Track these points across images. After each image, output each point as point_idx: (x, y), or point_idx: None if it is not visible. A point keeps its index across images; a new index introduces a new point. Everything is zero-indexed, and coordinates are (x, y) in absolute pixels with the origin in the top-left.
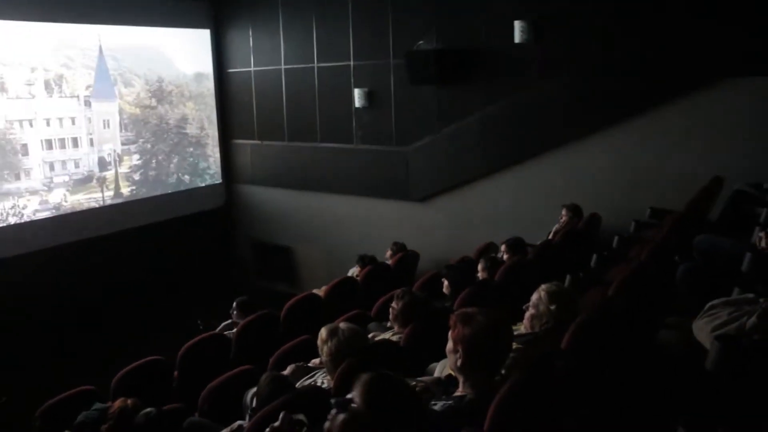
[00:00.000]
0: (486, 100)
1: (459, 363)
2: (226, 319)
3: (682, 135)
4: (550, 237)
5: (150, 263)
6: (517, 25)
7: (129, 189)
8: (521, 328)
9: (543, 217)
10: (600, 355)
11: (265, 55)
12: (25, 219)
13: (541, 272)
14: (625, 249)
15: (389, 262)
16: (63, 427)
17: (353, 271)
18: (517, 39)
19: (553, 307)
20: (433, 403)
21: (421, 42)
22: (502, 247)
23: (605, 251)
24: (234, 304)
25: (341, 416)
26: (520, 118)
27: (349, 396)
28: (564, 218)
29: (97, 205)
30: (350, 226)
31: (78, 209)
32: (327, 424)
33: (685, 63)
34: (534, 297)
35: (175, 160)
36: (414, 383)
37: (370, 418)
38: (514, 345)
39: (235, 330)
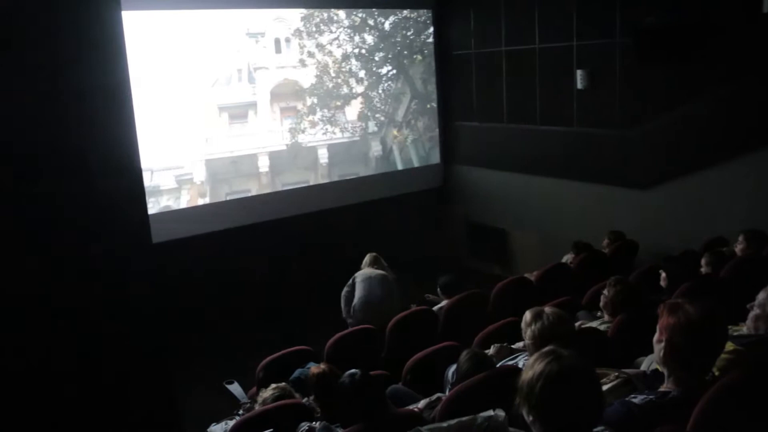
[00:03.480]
0: (723, 80)
1: (662, 354)
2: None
3: None
4: None
5: (367, 239)
6: None
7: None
8: (743, 329)
9: None
10: None
11: (485, 37)
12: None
13: None
14: None
15: (605, 250)
16: (281, 380)
17: (567, 258)
18: (766, 8)
19: None
20: (633, 396)
21: (650, 17)
22: (740, 237)
23: None
24: (438, 283)
25: None
26: (762, 99)
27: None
28: None
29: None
30: (567, 211)
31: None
32: None
33: None
34: (761, 296)
35: (402, 140)
36: (616, 374)
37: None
38: (732, 346)
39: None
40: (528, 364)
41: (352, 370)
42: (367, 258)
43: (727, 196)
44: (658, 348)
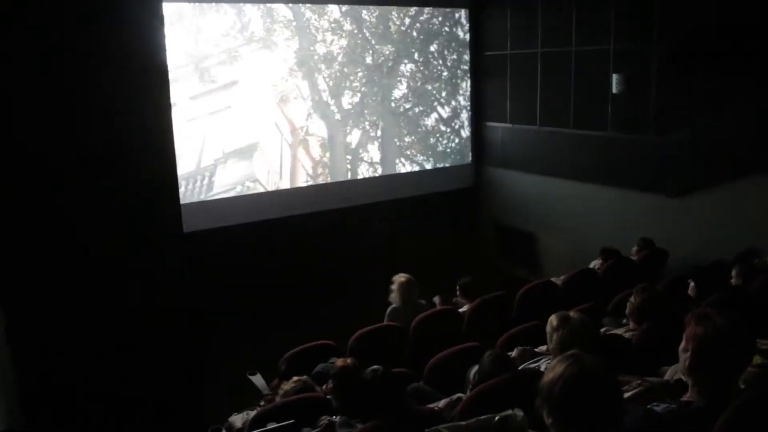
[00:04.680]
0: (764, 89)
1: (687, 363)
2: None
3: None
4: None
5: (395, 236)
6: None
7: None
8: None
9: None
10: None
11: (521, 38)
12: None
13: None
14: None
15: (634, 257)
16: (303, 373)
17: (595, 264)
18: None
19: None
20: (655, 404)
21: (691, 22)
22: None
23: None
24: (457, 284)
25: None
26: None
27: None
28: None
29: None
30: (597, 216)
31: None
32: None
33: None
34: None
35: (433, 138)
36: (639, 382)
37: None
38: (760, 360)
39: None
40: (550, 366)
41: (375, 366)
42: (397, 284)
43: (762, 207)
44: (684, 357)
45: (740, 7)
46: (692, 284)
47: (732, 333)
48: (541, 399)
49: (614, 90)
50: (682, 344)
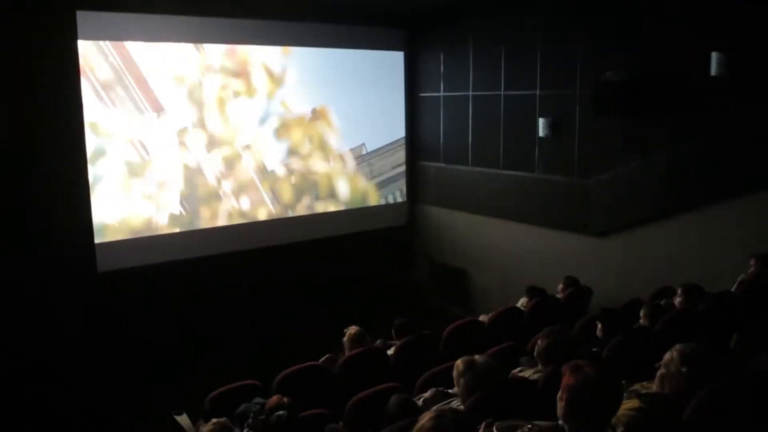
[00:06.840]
0: (676, 136)
1: (561, 411)
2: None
3: None
4: (734, 289)
5: (329, 274)
6: (714, 56)
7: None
8: (652, 386)
9: (732, 266)
10: None
11: (454, 82)
12: (219, 224)
13: (709, 326)
14: None
15: (560, 296)
16: (227, 414)
17: (522, 302)
18: (713, 72)
19: (684, 370)
20: None
21: (609, 73)
22: (679, 290)
23: None
24: (393, 326)
25: None
26: (713, 156)
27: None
28: (752, 269)
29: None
30: (526, 255)
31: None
32: None
33: None
34: (666, 356)
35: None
36: (529, 427)
37: None
38: (638, 403)
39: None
40: (419, 419)
41: (281, 412)
42: (348, 338)
43: (680, 247)
44: (560, 405)
45: (651, 62)
46: (600, 326)
47: (601, 383)
48: None
49: (540, 133)
50: (559, 393)
